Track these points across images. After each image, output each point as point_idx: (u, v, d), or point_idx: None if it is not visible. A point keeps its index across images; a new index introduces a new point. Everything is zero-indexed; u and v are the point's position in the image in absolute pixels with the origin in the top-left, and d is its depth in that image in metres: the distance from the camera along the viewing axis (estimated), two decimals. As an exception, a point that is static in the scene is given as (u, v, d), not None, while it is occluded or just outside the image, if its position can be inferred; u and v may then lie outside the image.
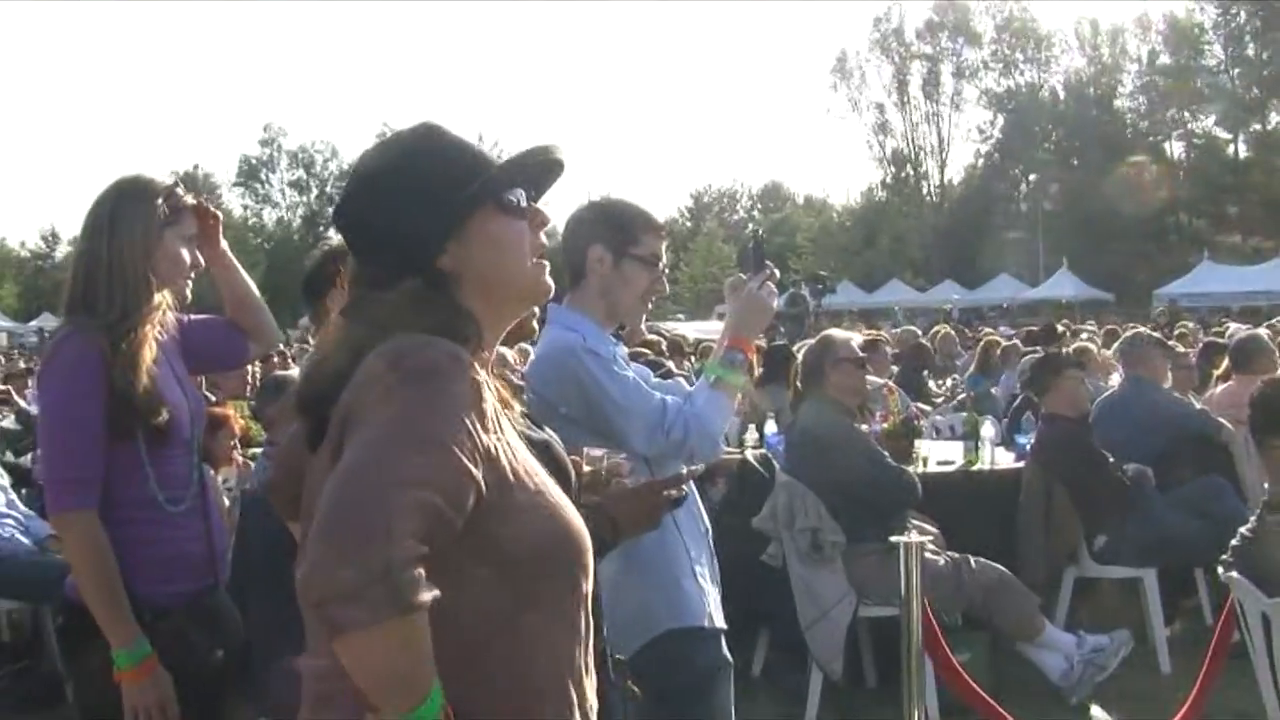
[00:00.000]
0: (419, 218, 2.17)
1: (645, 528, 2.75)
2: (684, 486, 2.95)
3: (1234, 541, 4.87)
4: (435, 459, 1.90)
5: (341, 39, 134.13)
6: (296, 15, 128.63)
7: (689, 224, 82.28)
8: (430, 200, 2.17)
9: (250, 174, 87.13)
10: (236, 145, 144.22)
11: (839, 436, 6.88)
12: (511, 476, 2.07)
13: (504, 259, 2.23)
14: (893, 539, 4.56)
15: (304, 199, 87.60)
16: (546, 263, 2.29)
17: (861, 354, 7.18)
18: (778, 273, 4.14)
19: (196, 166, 79.45)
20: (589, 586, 2.22)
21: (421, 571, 1.81)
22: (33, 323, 62.31)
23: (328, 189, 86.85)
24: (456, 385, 2.00)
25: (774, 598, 6.90)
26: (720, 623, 4.00)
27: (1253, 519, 4.94)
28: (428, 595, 1.81)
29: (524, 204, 2.27)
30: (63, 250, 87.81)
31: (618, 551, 2.99)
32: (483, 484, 1.97)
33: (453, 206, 2.18)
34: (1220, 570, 4.80)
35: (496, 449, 2.05)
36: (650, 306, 4.12)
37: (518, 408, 2.32)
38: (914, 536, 4.67)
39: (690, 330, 21.67)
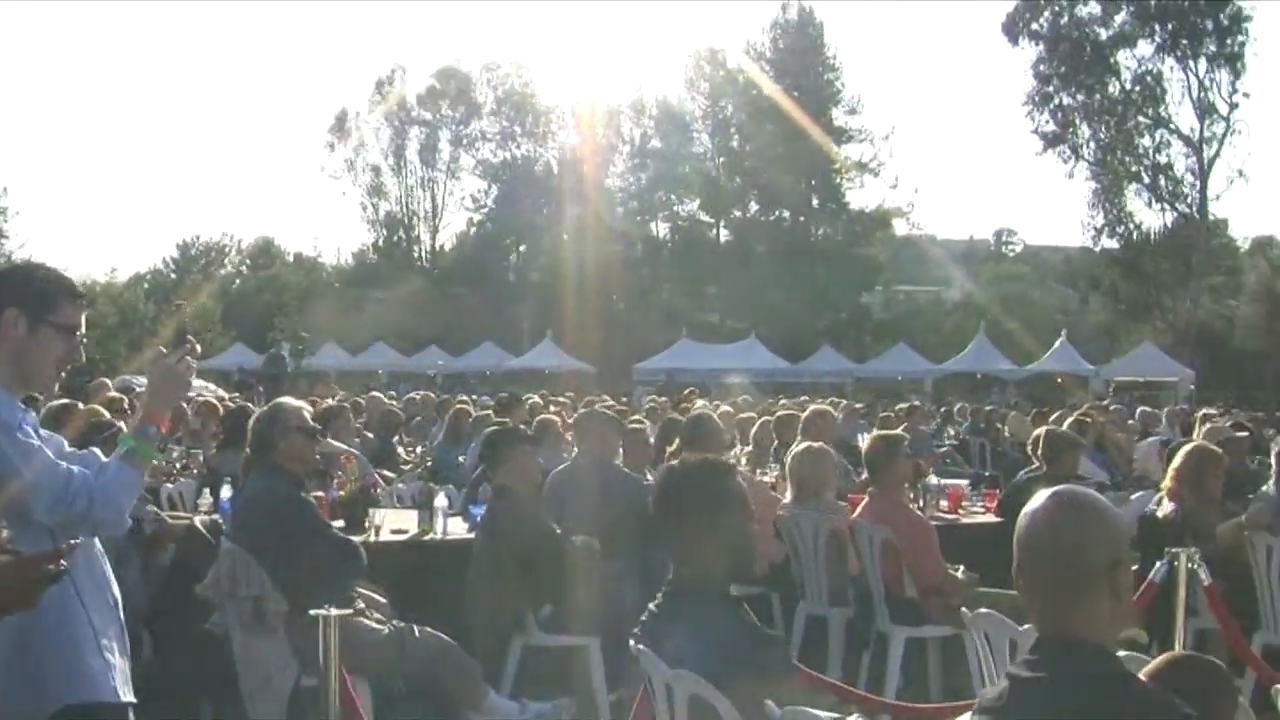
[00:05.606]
0: None
1: (19, 606, 2.61)
2: (64, 562, 2.82)
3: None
4: None
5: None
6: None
7: (173, 275, 79.86)
8: None
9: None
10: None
11: (284, 505, 6.84)
12: None
13: None
14: (312, 611, 4.60)
15: None
16: None
17: (313, 424, 7.19)
18: (199, 348, 4.16)
19: None
20: None
21: None
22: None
23: None
24: None
25: (219, 667, 6.78)
26: (129, 696, 3.97)
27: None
28: None
29: None
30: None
31: (13, 623, 2.87)
32: None
33: None
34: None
35: None
36: (63, 375, 4.07)
37: None
38: (335, 611, 4.72)
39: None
